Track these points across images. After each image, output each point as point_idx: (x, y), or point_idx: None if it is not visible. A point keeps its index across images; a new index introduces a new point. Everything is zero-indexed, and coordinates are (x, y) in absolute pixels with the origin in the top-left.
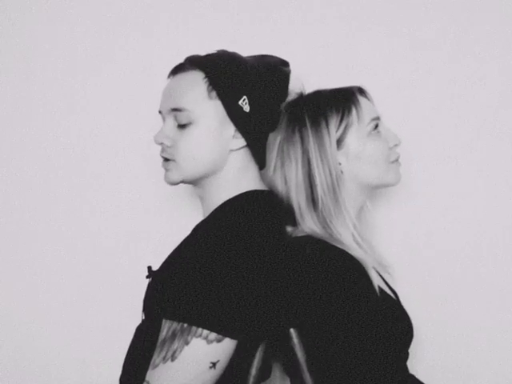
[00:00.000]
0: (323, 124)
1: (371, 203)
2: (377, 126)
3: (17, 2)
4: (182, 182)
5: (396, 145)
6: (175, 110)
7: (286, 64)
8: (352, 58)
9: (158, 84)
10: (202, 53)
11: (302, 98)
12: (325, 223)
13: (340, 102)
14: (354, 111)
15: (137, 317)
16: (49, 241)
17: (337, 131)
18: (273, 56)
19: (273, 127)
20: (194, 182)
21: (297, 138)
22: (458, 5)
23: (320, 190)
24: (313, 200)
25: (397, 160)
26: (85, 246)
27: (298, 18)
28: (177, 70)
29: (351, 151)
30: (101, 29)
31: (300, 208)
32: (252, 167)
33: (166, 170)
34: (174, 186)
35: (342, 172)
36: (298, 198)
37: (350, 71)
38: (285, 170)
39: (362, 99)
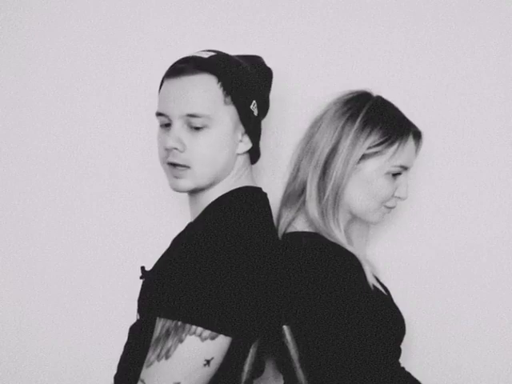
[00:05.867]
0: (365, 134)
1: None
2: (398, 174)
3: (17, 2)
4: (194, 189)
5: (400, 198)
6: (191, 115)
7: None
8: (352, 57)
9: (157, 83)
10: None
11: (369, 95)
12: (323, 216)
13: (392, 130)
14: (394, 147)
15: (135, 317)
16: (47, 241)
17: (368, 149)
18: (258, 56)
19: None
20: (205, 188)
21: (339, 126)
22: (458, 4)
23: (330, 187)
24: (322, 190)
25: (390, 209)
26: (82, 247)
27: (298, 18)
28: (180, 73)
29: (362, 173)
30: (99, 28)
31: (311, 188)
32: (247, 166)
33: (177, 177)
34: None
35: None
36: (312, 179)
37: (349, 71)
38: (313, 145)
39: (410, 143)
